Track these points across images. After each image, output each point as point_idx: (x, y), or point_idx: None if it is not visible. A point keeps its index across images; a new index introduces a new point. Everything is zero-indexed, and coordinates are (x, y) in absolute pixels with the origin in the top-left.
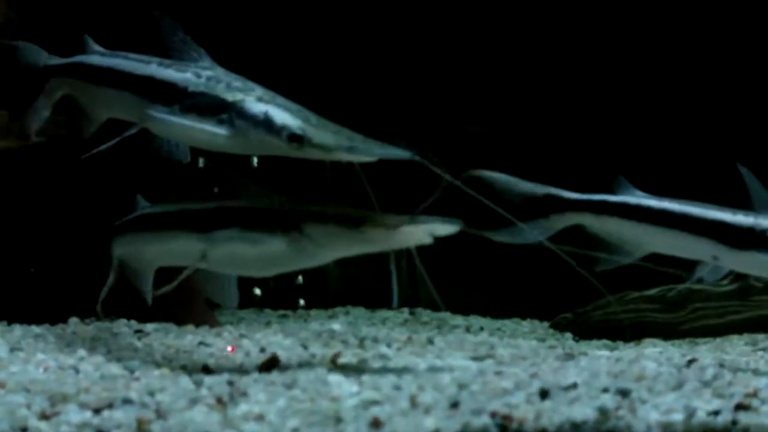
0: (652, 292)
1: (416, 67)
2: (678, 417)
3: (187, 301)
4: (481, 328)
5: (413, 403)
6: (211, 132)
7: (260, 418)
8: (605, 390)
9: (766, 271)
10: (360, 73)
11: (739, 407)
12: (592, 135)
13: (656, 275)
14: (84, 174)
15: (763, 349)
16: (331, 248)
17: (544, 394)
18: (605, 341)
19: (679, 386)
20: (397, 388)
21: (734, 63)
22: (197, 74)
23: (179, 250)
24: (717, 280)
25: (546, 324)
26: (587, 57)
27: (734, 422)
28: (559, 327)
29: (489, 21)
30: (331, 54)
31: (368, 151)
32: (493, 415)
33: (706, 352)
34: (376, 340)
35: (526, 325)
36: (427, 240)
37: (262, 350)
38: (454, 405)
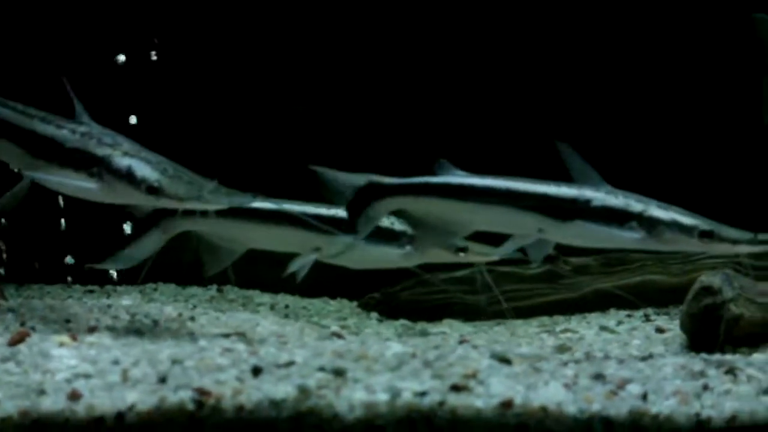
0: (461, 273)
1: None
2: (383, 397)
3: None
4: (287, 306)
5: (124, 377)
6: (82, 185)
7: None
8: (321, 369)
9: (590, 241)
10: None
11: (454, 388)
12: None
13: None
14: None
15: (548, 332)
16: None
17: (256, 371)
18: (403, 321)
19: (398, 366)
20: (116, 362)
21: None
22: (73, 131)
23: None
24: (542, 257)
25: (354, 303)
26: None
27: (441, 403)
28: (367, 307)
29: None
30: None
31: (215, 200)
32: (194, 391)
33: (482, 334)
34: (147, 315)
35: (334, 304)
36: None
37: (22, 324)
38: (162, 380)
